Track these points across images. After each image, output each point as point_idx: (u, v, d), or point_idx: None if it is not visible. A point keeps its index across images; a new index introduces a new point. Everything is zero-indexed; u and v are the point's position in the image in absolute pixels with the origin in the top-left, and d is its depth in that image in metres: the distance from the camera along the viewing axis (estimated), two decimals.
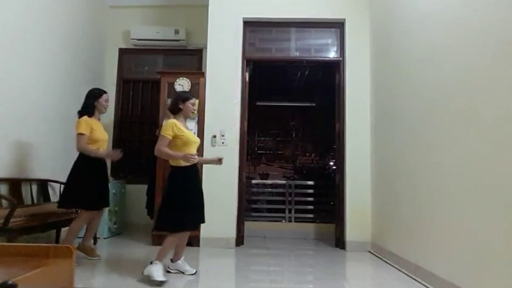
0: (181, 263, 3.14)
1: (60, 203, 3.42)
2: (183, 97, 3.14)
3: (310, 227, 5.14)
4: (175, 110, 3.10)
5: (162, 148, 2.93)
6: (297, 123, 7.74)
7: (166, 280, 2.84)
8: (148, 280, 2.83)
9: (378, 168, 4.15)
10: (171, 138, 2.95)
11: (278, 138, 7.76)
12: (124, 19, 5.76)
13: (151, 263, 2.90)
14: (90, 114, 3.43)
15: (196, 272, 3.12)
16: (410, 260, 3.18)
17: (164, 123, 3.10)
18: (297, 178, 6.72)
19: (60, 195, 3.43)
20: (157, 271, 2.83)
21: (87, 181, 3.38)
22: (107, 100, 3.58)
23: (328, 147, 7.04)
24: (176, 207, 2.92)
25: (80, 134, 3.32)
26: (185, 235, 3.12)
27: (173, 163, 3.03)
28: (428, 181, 2.93)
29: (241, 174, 4.44)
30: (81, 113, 3.43)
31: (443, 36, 2.79)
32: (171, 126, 2.96)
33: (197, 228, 3.12)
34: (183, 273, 3.09)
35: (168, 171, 3.18)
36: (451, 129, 2.63)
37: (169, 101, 4.40)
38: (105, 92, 3.60)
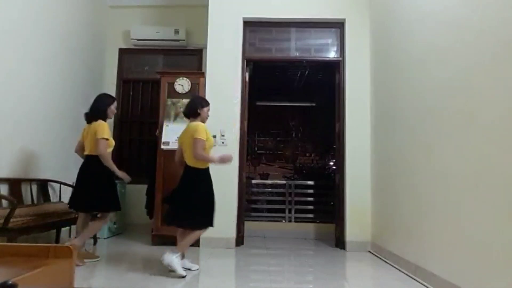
0: (187, 260, 3.18)
1: (91, 208, 3.45)
2: (202, 103, 3.23)
3: (310, 227, 5.14)
4: (194, 115, 3.16)
5: (202, 152, 3.01)
6: (297, 123, 7.74)
7: (186, 275, 2.95)
8: (148, 280, 2.83)
9: (378, 168, 4.15)
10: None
11: (278, 138, 7.77)
12: (124, 19, 5.76)
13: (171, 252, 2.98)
14: (104, 119, 3.46)
15: (198, 268, 3.19)
16: (410, 260, 3.17)
17: (194, 126, 3.10)
18: (297, 178, 6.72)
19: (90, 199, 3.37)
20: (179, 266, 2.94)
21: (111, 183, 3.46)
22: (116, 107, 3.65)
23: (328, 147, 7.05)
24: (209, 205, 3.13)
25: (104, 139, 3.33)
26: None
27: (199, 165, 3.08)
28: (428, 181, 2.93)
29: (241, 174, 4.44)
30: (93, 117, 3.43)
31: (443, 36, 2.79)
32: (205, 130, 3.07)
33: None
34: (189, 269, 3.11)
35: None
36: (451, 129, 2.63)
37: (169, 101, 4.44)
38: (115, 99, 3.67)
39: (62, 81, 4.57)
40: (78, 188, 3.43)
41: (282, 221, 5.32)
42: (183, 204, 3.06)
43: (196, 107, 3.17)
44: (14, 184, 3.69)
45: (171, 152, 4.34)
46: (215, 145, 4.32)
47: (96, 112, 3.46)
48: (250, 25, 4.67)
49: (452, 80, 2.65)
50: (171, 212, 3.15)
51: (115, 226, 4.83)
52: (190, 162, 3.08)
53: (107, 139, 3.35)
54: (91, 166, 3.39)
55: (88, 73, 5.23)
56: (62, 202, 4.24)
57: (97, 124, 3.38)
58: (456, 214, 2.52)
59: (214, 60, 4.50)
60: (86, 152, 3.44)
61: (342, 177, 4.45)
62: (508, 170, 2.02)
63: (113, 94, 5.67)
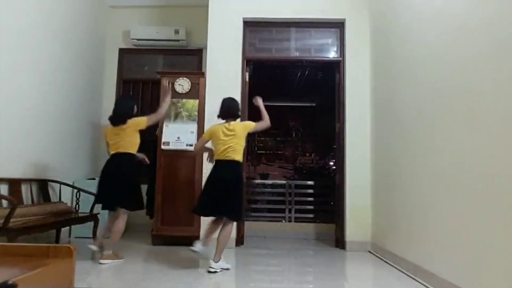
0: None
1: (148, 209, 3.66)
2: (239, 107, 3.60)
3: (310, 227, 5.14)
4: (236, 116, 3.47)
5: None
6: (297, 123, 7.75)
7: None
8: (148, 280, 2.83)
9: (378, 167, 4.15)
10: None
11: (278, 138, 7.76)
12: (124, 19, 5.76)
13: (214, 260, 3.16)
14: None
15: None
16: (410, 260, 3.18)
17: (242, 124, 3.44)
18: (297, 178, 6.72)
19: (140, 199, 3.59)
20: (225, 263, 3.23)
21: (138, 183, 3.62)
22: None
23: (328, 147, 7.05)
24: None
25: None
26: None
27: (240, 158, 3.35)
28: (429, 181, 2.93)
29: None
30: (121, 119, 3.54)
31: (443, 35, 2.79)
32: None
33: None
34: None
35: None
36: (451, 128, 2.63)
37: (168, 99, 4.43)
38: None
39: (62, 81, 4.57)
40: (114, 185, 3.44)
41: (282, 221, 5.32)
42: (238, 197, 3.28)
43: (239, 110, 3.50)
44: (14, 184, 3.69)
45: (171, 152, 4.35)
46: None
47: (124, 115, 3.56)
48: (250, 25, 4.67)
49: (452, 79, 2.65)
50: (221, 205, 3.23)
51: None
52: (239, 156, 3.32)
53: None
54: (124, 164, 3.50)
55: (88, 73, 5.23)
56: (62, 202, 4.24)
57: (133, 120, 3.56)
58: (456, 214, 2.52)
59: (214, 60, 4.50)
60: (118, 150, 3.49)
61: (342, 177, 4.45)
62: (508, 170, 2.02)
63: (113, 94, 5.69)
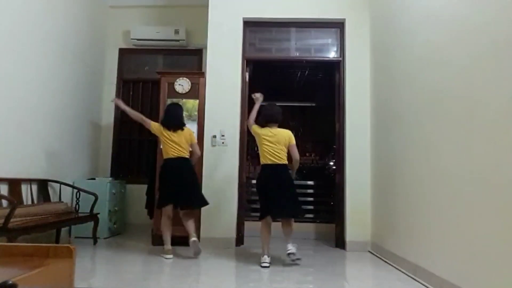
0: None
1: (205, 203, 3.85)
2: None
3: (310, 227, 5.13)
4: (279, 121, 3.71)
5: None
6: (297, 123, 7.73)
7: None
8: (148, 280, 2.83)
9: (378, 167, 4.15)
10: None
11: None
12: (124, 19, 5.76)
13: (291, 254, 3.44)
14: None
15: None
16: (410, 260, 3.17)
17: (290, 133, 3.66)
18: (297, 178, 6.71)
19: (198, 197, 3.81)
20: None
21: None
22: None
23: (328, 147, 7.04)
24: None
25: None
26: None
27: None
28: (428, 181, 2.93)
29: (241, 174, 4.43)
30: (181, 125, 3.84)
31: (443, 35, 2.79)
32: None
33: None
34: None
35: None
36: (451, 128, 2.63)
37: (169, 101, 4.44)
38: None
39: (62, 81, 4.57)
40: (186, 186, 3.72)
41: None
42: (294, 196, 3.59)
43: (280, 115, 3.69)
44: (14, 184, 3.69)
45: None
46: (214, 145, 4.35)
47: (182, 120, 3.92)
48: (250, 25, 4.67)
49: (452, 79, 2.65)
50: (285, 205, 3.52)
51: (115, 226, 4.83)
52: (285, 160, 3.56)
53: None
54: (191, 166, 3.82)
55: (88, 73, 5.24)
56: (62, 202, 4.24)
57: (191, 131, 3.92)
58: (456, 213, 2.52)
59: (214, 60, 4.50)
60: (180, 155, 3.73)
61: (342, 177, 4.45)
62: (508, 170, 2.02)
63: (113, 94, 5.69)
